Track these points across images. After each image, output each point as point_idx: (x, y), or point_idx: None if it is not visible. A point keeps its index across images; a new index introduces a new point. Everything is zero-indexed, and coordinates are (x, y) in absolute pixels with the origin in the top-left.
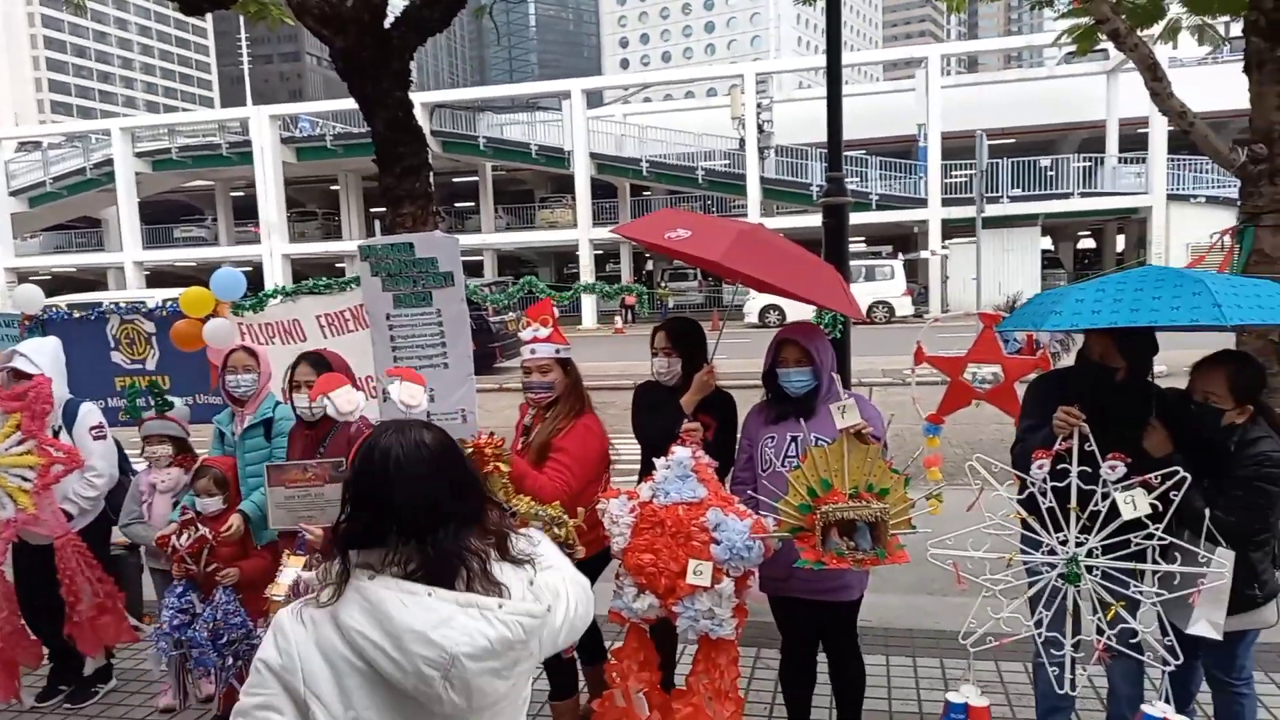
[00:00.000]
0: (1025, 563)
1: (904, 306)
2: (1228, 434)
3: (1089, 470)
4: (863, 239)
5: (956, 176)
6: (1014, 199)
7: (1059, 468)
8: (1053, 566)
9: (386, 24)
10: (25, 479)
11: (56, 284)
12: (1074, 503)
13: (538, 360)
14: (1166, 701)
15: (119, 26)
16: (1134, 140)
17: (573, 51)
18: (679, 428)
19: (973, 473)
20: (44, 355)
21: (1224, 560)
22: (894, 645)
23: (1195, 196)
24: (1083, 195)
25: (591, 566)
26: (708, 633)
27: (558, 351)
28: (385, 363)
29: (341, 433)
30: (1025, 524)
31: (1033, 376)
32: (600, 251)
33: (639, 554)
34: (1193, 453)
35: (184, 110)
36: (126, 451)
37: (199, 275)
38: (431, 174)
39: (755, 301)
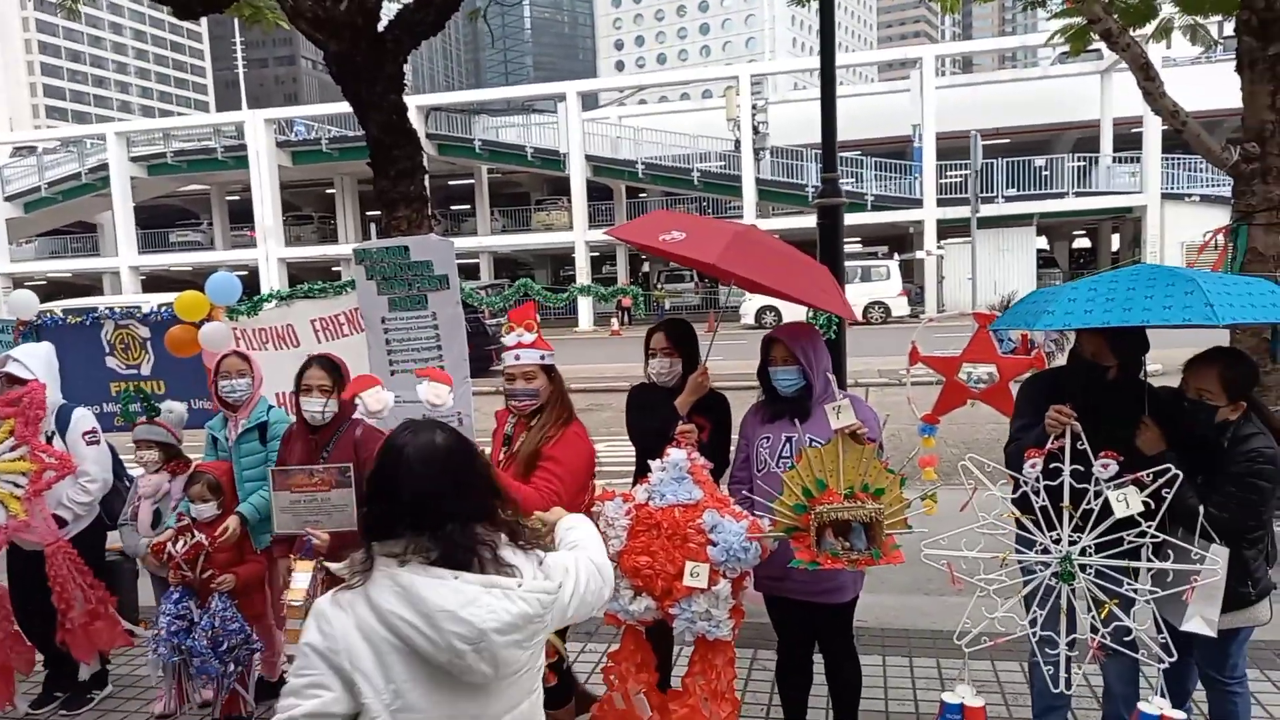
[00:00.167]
0: (1019, 562)
1: (900, 307)
2: (1220, 431)
3: (1081, 469)
4: (858, 240)
5: (951, 177)
6: (1009, 199)
7: (1051, 466)
8: (1046, 565)
9: (380, 28)
10: (17, 485)
11: (52, 289)
12: (1067, 501)
13: (522, 367)
14: (1162, 697)
15: (114, 31)
16: (1128, 140)
17: (568, 54)
18: (673, 429)
19: (965, 472)
20: (37, 361)
21: (1218, 557)
22: (890, 645)
23: (1190, 195)
24: (1077, 195)
25: None
26: (705, 634)
27: (543, 357)
28: (381, 366)
29: (346, 436)
30: (1019, 523)
31: (1027, 375)
32: (596, 253)
33: (635, 556)
34: (1186, 450)
35: (179, 114)
36: (121, 457)
37: (195, 280)
38: (427, 177)
39: (751, 303)
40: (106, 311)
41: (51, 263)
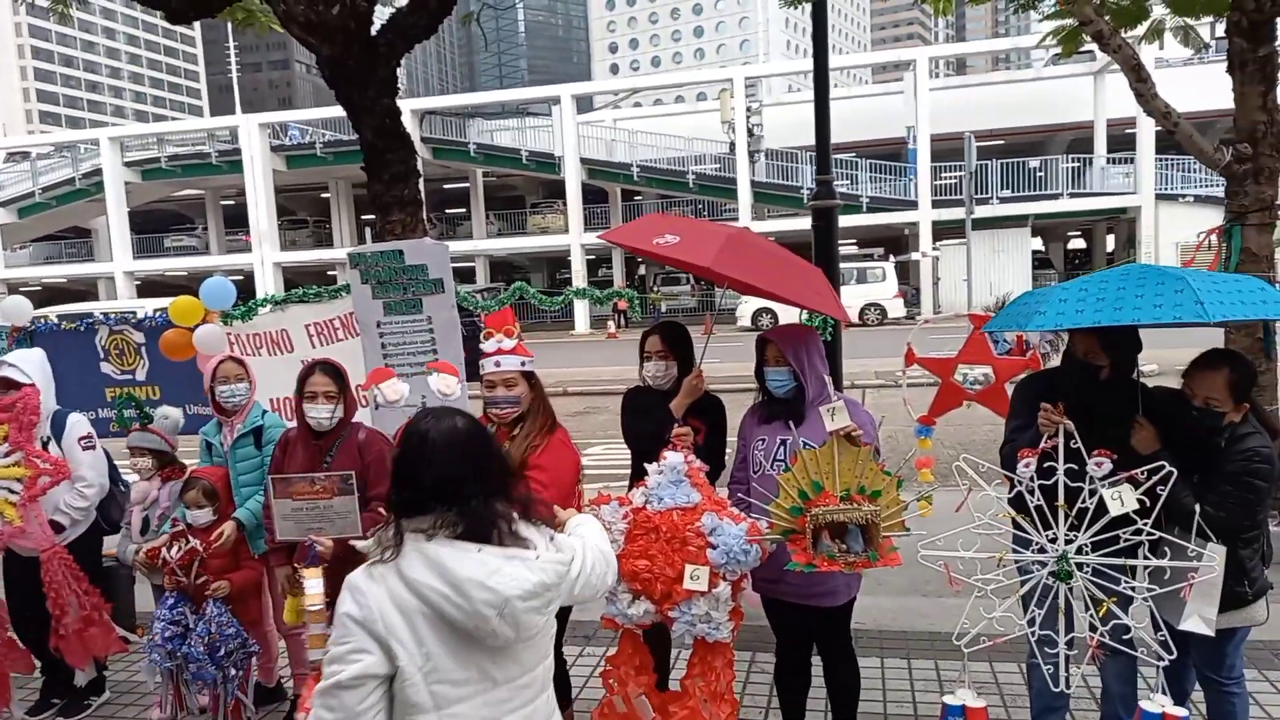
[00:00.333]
0: (1016, 562)
1: (896, 308)
2: (1220, 431)
3: (1076, 468)
4: (854, 241)
5: (946, 178)
6: (1003, 200)
7: (1046, 466)
8: (1043, 565)
9: (373, 31)
10: (11, 491)
11: (47, 295)
12: (1061, 500)
13: (503, 374)
14: (1163, 694)
15: (107, 36)
16: (1122, 140)
17: (562, 57)
18: (669, 432)
19: (960, 473)
20: (32, 366)
21: (1215, 556)
22: (888, 647)
23: (1184, 196)
24: (1072, 196)
25: None
26: (704, 636)
27: (523, 364)
28: None
29: (349, 440)
30: (1015, 523)
31: (1023, 376)
32: (592, 256)
33: (634, 560)
34: (1184, 450)
35: (173, 119)
36: (116, 462)
37: (190, 284)
38: (421, 181)
39: (747, 305)
40: (101, 317)
41: (46, 268)
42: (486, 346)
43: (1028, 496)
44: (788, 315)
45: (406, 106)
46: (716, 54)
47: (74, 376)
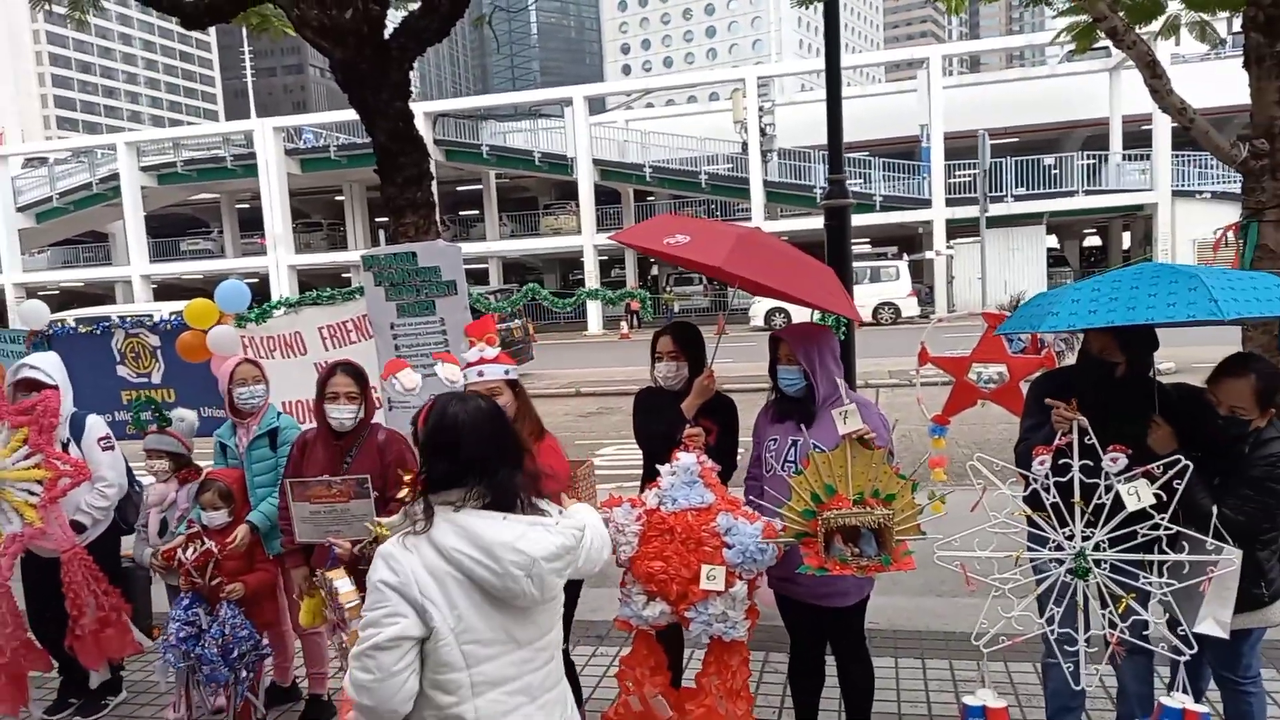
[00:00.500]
0: (1031, 560)
1: (909, 307)
2: (1245, 438)
3: (1091, 464)
4: (867, 240)
5: (960, 176)
6: (1018, 198)
7: (1061, 463)
8: (1061, 563)
9: (385, 35)
10: (32, 493)
11: (65, 298)
12: (1077, 497)
13: (487, 383)
14: (1184, 692)
15: (123, 42)
16: (1138, 137)
17: (574, 58)
18: (680, 433)
19: (974, 473)
20: (52, 368)
21: (1232, 559)
22: (903, 647)
23: (1201, 192)
24: (1087, 193)
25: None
26: (721, 636)
27: (507, 372)
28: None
29: (370, 441)
30: (1031, 521)
31: (1038, 375)
32: (605, 257)
33: (649, 562)
34: (1206, 453)
35: (188, 124)
36: (131, 464)
37: (206, 287)
38: (434, 183)
39: (760, 305)
40: (117, 320)
41: (64, 272)
42: (469, 356)
43: (1043, 494)
44: (801, 315)
45: (419, 109)
46: (729, 54)
47: (90, 380)
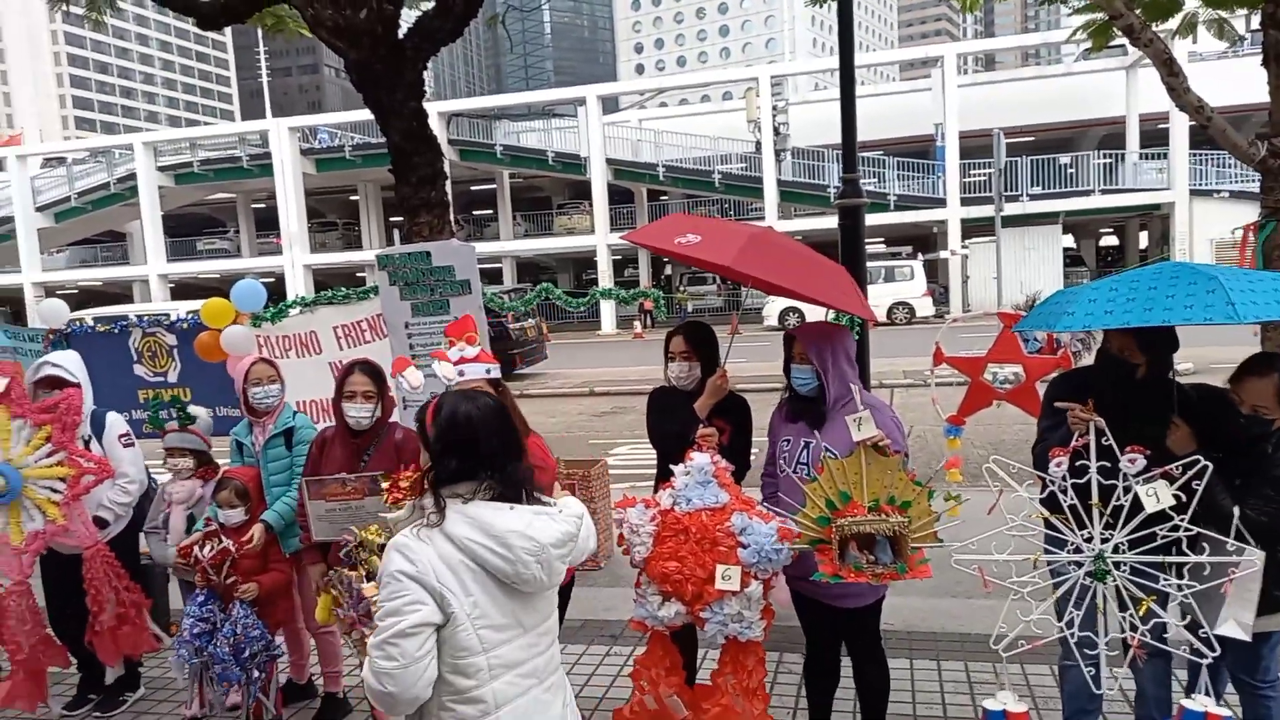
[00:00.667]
0: (1049, 563)
1: (924, 307)
2: (1268, 438)
3: (1109, 465)
4: (882, 240)
5: (975, 175)
6: (1034, 197)
7: (1078, 464)
8: (1080, 565)
9: (400, 35)
10: (55, 490)
11: (84, 297)
12: (1095, 498)
13: (468, 382)
14: (1206, 694)
15: (140, 42)
16: (1155, 135)
17: (588, 58)
18: (693, 433)
19: (991, 475)
20: (74, 367)
21: (1254, 560)
22: (918, 649)
23: (1219, 191)
24: (1104, 192)
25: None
26: (736, 636)
27: (488, 371)
28: None
29: (387, 440)
30: (1048, 523)
31: (1054, 375)
32: (619, 257)
33: (663, 562)
34: (1228, 453)
35: (205, 124)
36: (147, 462)
37: (222, 286)
38: (448, 183)
39: (774, 305)
40: (135, 320)
41: (82, 271)
42: (450, 354)
43: (1061, 496)
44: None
45: (433, 109)
46: (742, 53)
47: (107, 378)
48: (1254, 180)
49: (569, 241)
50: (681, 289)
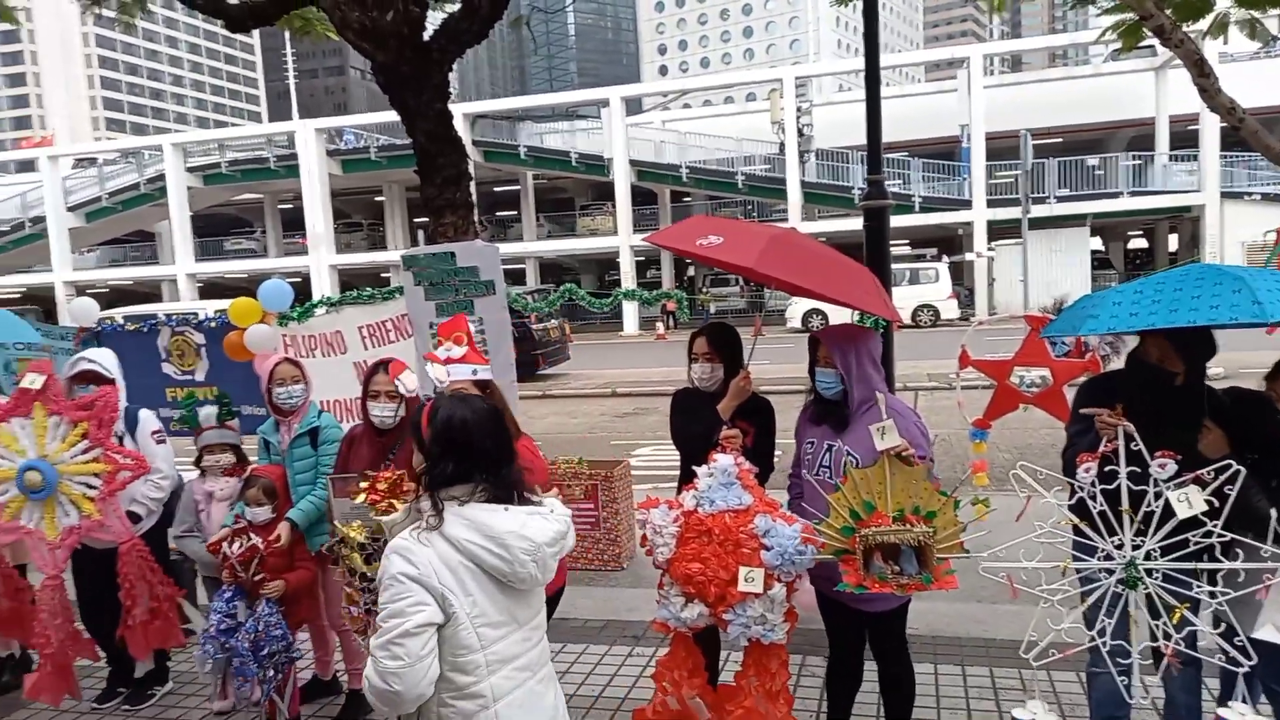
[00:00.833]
0: (1078, 570)
1: (949, 309)
2: None
3: (1139, 470)
4: (906, 242)
5: (1001, 177)
6: (1061, 199)
7: (1108, 470)
8: (1110, 572)
9: (426, 37)
10: (90, 486)
11: (114, 296)
12: (1125, 504)
13: (454, 383)
14: (1244, 703)
15: (169, 45)
16: (1185, 137)
17: (612, 59)
18: (717, 434)
19: (1019, 481)
20: (109, 362)
21: None
22: (942, 654)
23: (1250, 193)
24: (1133, 194)
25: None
26: (759, 638)
27: (475, 372)
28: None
29: (410, 441)
30: (1077, 530)
31: (1082, 379)
32: (641, 258)
33: (686, 563)
34: (1265, 455)
35: (233, 125)
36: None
37: (249, 286)
38: (472, 183)
39: (797, 306)
40: (164, 318)
41: (112, 271)
42: (439, 355)
43: (1090, 502)
44: (838, 316)
45: (458, 110)
46: (766, 54)
47: (135, 377)
48: None
49: (592, 243)
50: (704, 290)
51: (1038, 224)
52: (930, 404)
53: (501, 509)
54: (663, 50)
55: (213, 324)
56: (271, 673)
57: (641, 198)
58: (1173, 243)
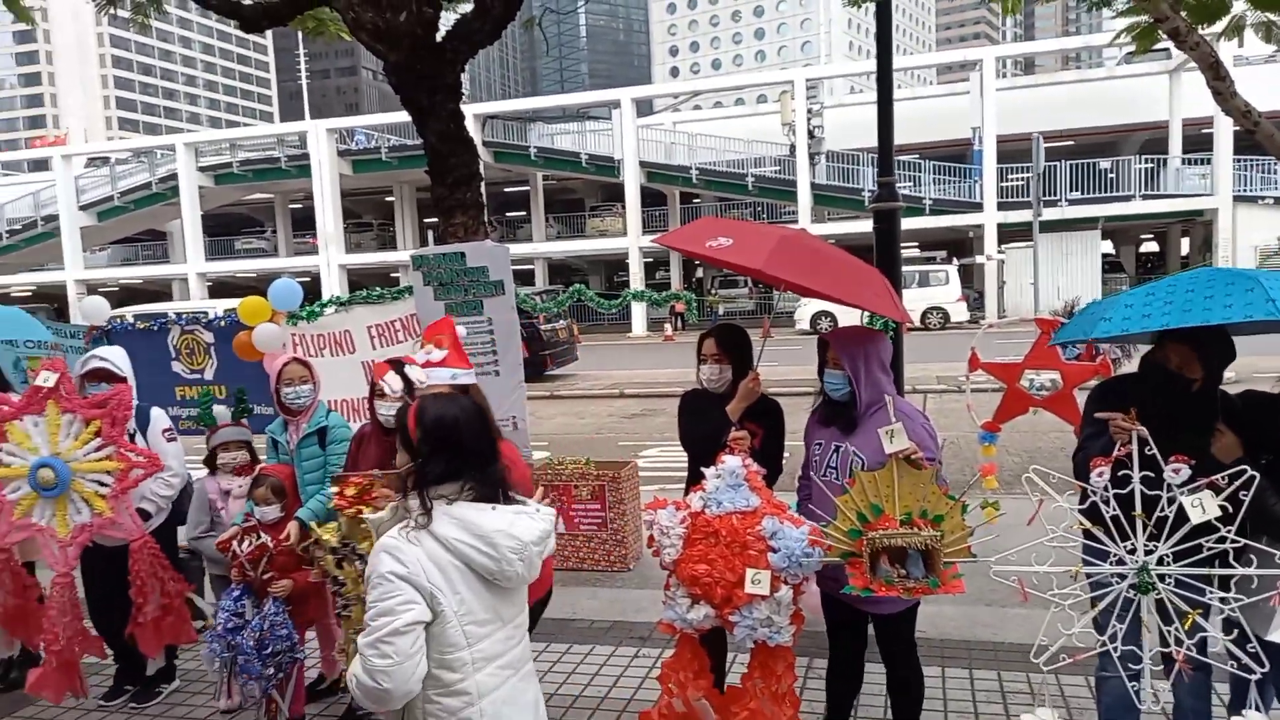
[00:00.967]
0: (1089, 575)
1: (958, 312)
2: None
3: (1152, 475)
4: (916, 244)
5: (1013, 180)
6: (1072, 202)
7: (1121, 474)
8: (1123, 577)
9: (438, 38)
10: (102, 484)
11: (124, 295)
12: (1139, 509)
13: (433, 387)
14: (1256, 710)
15: (183, 45)
16: (1198, 140)
17: (623, 61)
18: (726, 436)
19: (1030, 484)
20: (120, 360)
21: None
22: (950, 657)
23: (1263, 197)
24: (1145, 198)
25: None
26: (765, 640)
27: (454, 376)
28: None
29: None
30: (1088, 534)
31: (1093, 383)
32: (650, 259)
33: (693, 565)
34: (1277, 458)
35: (245, 125)
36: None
37: (259, 285)
38: (483, 184)
39: (806, 308)
40: (173, 317)
41: (124, 269)
42: (417, 358)
43: (1102, 506)
44: (847, 318)
45: (469, 111)
46: (777, 56)
47: (146, 375)
48: None
49: (601, 244)
50: (713, 291)
51: (1049, 227)
52: (939, 406)
53: (489, 508)
54: (674, 52)
55: (222, 323)
56: (272, 671)
57: (651, 199)
58: (1185, 247)
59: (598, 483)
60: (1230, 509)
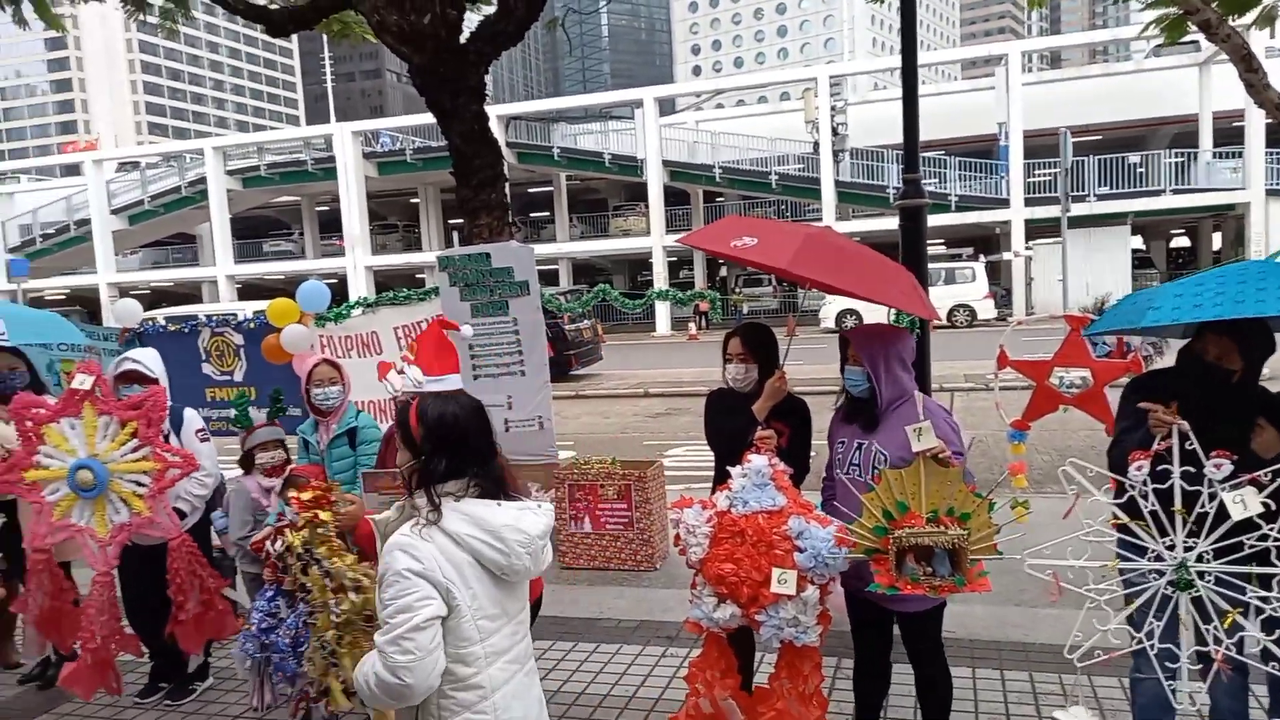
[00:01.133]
0: (1124, 572)
1: (986, 309)
2: None
3: (1192, 470)
4: (942, 241)
5: (1040, 175)
6: (1101, 197)
7: (1159, 469)
8: (1160, 574)
9: (462, 39)
10: (140, 484)
11: (155, 298)
12: (1179, 505)
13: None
14: None
15: (210, 49)
16: (1230, 133)
17: (645, 60)
18: (752, 435)
19: (1067, 479)
20: (156, 363)
21: None
22: (980, 657)
23: None
24: (1175, 192)
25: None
26: (791, 640)
27: (419, 385)
28: (464, 371)
29: None
30: (1123, 529)
31: (1124, 380)
32: (674, 258)
33: (719, 564)
34: None
35: (271, 128)
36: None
37: (287, 287)
38: (507, 185)
39: (831, 306)
40: (204, 319)
41: (154, 273)
42: (408, 371)
43: (1141, 501)
44: (872, 316)
45: (493, 112)
46: (800, 53)
47: (177, 377)
48: None
49: (625, 243)
50: (737, 290)
51: (1077, 223)
52: (967, 404)
53: (495, 504)
54: (696, 50)
55: (251, 325)
56: (306, 669)
57: (674, 198)
58: (1216, 241)
59: (624, 482)
60: (1273, 505)
